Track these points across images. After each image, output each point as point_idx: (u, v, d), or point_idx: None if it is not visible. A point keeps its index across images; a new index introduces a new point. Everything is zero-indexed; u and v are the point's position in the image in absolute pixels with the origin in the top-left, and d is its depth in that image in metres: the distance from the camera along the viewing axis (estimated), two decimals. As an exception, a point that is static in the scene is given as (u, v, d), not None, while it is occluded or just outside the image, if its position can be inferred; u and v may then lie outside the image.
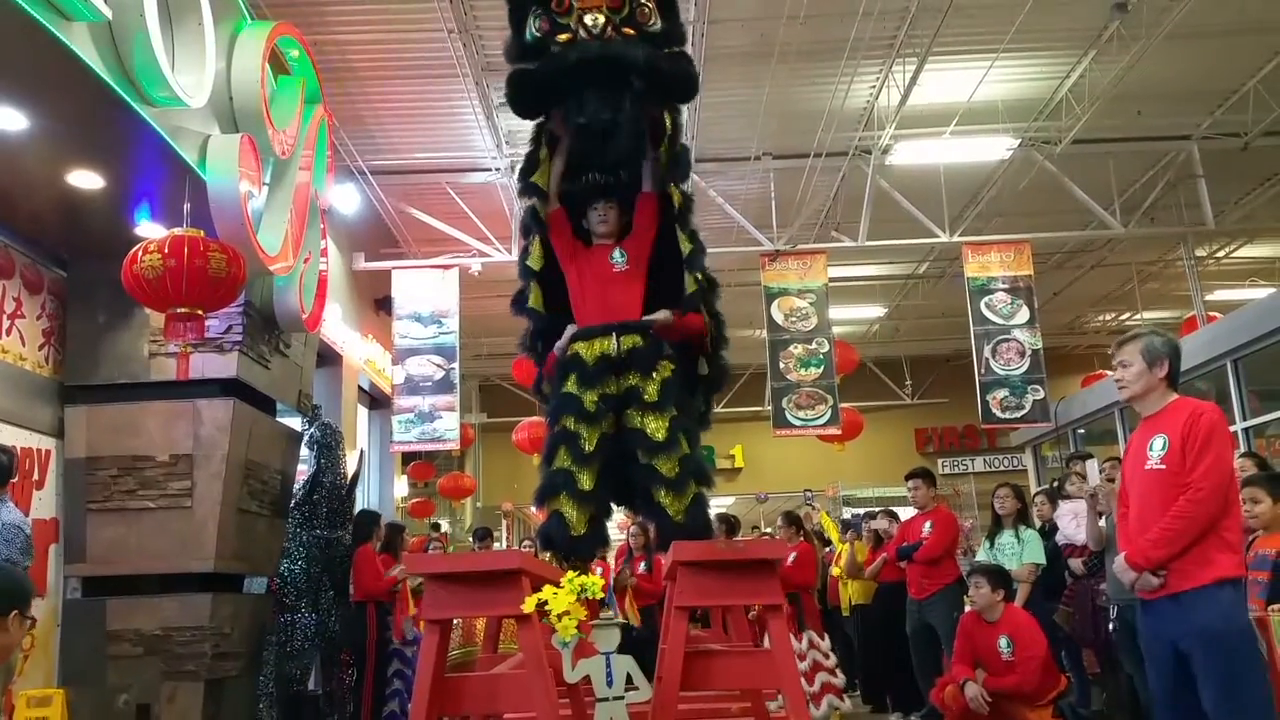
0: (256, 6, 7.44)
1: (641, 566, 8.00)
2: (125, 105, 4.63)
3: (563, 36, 3.60)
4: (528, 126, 4.15)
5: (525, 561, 2.86)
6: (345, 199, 10.29)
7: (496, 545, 11.27)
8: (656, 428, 3.47)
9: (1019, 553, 6.37)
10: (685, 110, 4.27)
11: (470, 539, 13.71)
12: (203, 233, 5.14)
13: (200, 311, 5.09)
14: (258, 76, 5.55)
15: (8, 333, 5.94)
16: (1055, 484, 7.45)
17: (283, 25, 6.11)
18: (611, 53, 3.54)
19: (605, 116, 3.53)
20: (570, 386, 3.56)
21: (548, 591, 2.62)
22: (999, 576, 5.64)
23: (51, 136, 5.04)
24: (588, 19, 3.55)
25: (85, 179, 5.46)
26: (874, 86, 9.74)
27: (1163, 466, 3.40)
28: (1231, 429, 9.13)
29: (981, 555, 6.65)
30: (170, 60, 4.74)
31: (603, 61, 3.54)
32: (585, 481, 3.49)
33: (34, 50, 4.23)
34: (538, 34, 3.67)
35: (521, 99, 3.81)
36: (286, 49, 6.32)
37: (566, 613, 2.58)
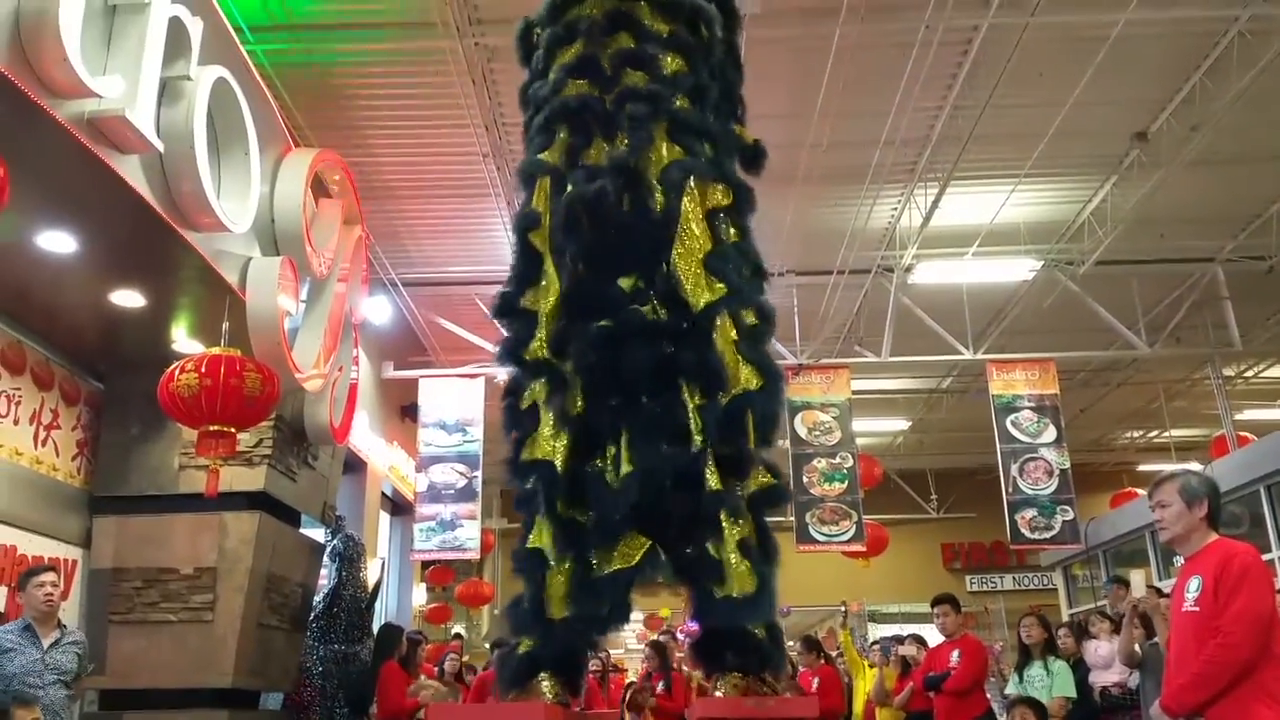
0: (300, 129, 7.72)
1: (660, 686, 7.83)
2: (171, 230, 4.78)
3: None
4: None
5: (549, 714, 2.81)
6: (377, 309, 10.47)
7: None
8: None
9: (1049, 685, 6.21)
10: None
11: (486, 645, 13.45)
12: (239, 351, 5.25)
13: (233, 429, 5.16)
14: (300, 201, 5.74)
15: (42, 443, 6.03)
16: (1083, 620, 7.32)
17: (325, 153, 6.33)
18: None
19: None
20: None
21: (570, 744, 2.57)
22: (1042, 711, 5.53)
23: (97, 258, 5.20)
24: None
25: (127, 298, 5.61)
26: (896, 208, 9.90)
27: (1197, 609, 3.33)
28: (1266, 557, 8.92)
29: (1011, 688, 6.48)
30: (216, 188, 4.92)
31: None
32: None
33: (87, 178, 4.40)
34: None
35: None
36: (328, 175, 6.53)
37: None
